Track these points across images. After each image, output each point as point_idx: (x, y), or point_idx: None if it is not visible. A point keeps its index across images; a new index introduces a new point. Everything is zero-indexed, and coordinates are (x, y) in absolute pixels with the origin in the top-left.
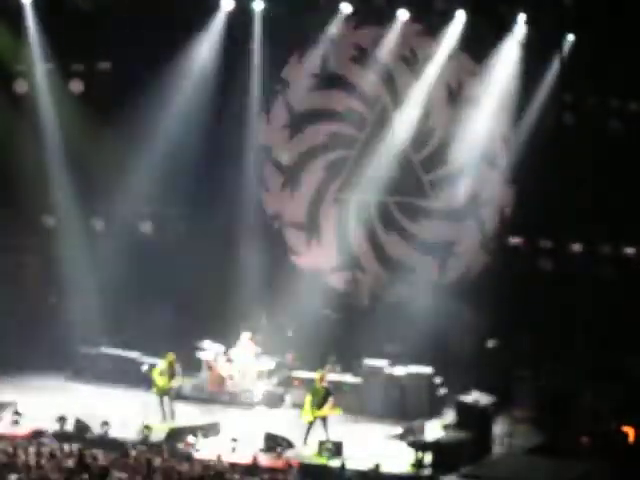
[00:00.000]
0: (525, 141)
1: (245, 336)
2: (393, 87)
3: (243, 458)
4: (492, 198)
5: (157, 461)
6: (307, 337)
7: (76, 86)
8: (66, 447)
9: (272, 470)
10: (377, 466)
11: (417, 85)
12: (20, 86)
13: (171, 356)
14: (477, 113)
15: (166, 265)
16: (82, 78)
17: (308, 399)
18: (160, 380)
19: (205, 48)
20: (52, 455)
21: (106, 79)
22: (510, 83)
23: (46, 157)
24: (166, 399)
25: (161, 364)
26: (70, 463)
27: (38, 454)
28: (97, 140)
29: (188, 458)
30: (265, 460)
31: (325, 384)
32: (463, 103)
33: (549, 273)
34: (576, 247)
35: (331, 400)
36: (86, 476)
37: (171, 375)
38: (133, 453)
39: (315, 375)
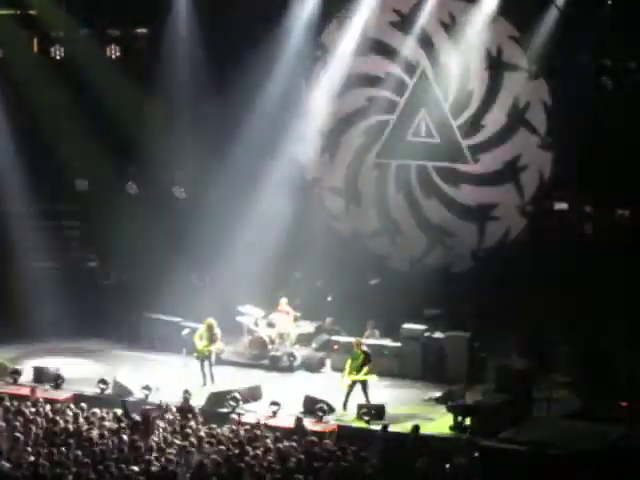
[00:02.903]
0: (563, 105)
1: (284, 301)
2: (432, 52)
3: (284, 422)
4: (531, 162)
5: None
6: (346, 302)
7: (113, 51)
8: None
9: (312, 433)
10: (416, 428)
11: (456, 50)
12: (58, 52)
13: (210, 320)
14: (516, 78)
15: (201, 230)
16: (119, 43)
17: (348, 363)
18: (200, 344)
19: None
20: (89, 419)
21: (143, 44)
22: (549, 47)
23: (82, 122)
24: (206, 363)
25: (200, 328)
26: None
27: (76, 417)
28: (134, 104)
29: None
30: (305, 423)
31: (364, 348)
32: (502, 68)
33: (589, 236)
34: (616, 211)
35: (369, 365)
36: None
37: (210, 339)
38: (169, 416)
39: (354, 340)
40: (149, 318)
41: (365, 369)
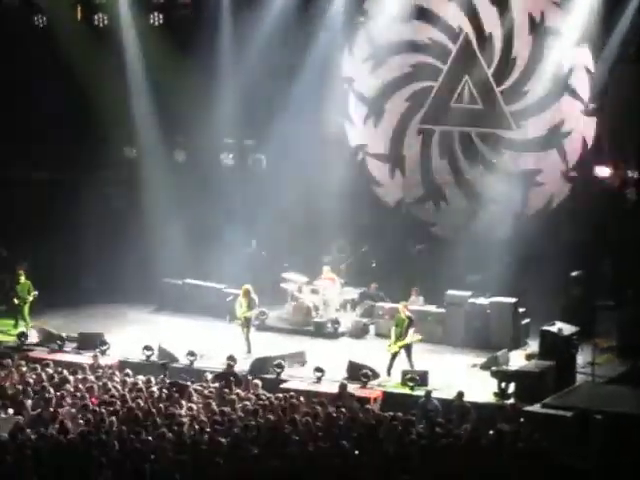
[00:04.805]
0: (607, 71)
1: (327, 268)
2: (475, 18)
3: (328, 388)
4: (574, 128)
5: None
6: (390, 268)
7: (156, 19)
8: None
9: (356, 399)
10: (460, 394)
11: (499, 16)
12: (101, 20)
13: (246, 286)
14: (559, 43)
15: (247, 197)
16: (162, 11)
17: (393, 330)
18: (239, 311)
19: None
20: (134, 384)
21: (186, 11)
22: (592, 13)
23: (128, 90)
24: (246, 329)
25: (239, 295)
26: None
27: (123, 384)
28: (178, 72)
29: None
30: (350, 390)
31: (408, 314)
32: (545, 34)
33: (632, 202)
34: None
35: (413, 329)
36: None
37: (249, 305)
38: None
39: (399, 305)
40: (192, 285)
41: (410, 332)
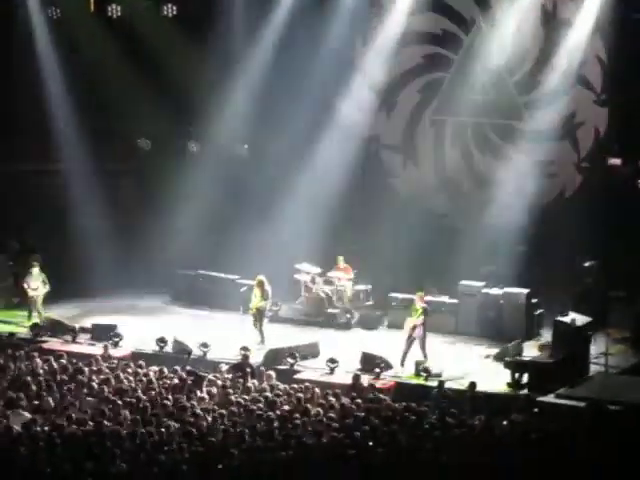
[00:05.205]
0: (619, 62)
1: (341, 259)
2: (487, 8)
3: (341, 379)
4: (587, 119)
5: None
6: (404, 259)
7: (169, 10)
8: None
9: (369, 390)
10: (473, 385)
11: (512, 7)
12: (114, 11)
13: (260, 277)
14: (571, 34)
15: (261, 188)
16: (175, 2)
17: (407, 321)
18: (254, 301)
19: None
20: (146, 375)
21: (199, 3)
22: (604, 3)
23: (141, 81)
24: (259, 320)
25: (254, 286)
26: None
27: (136, 375)
28: (192, 63)
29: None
30: (363, 381)
31: (424, 305)
32: (558, 24)
33: None
34: None
35: (422, 318)
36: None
37: (262, 296)
38: (226, 375)
39: (414, 296)
40: (206, 276)
41: (420, 318)
